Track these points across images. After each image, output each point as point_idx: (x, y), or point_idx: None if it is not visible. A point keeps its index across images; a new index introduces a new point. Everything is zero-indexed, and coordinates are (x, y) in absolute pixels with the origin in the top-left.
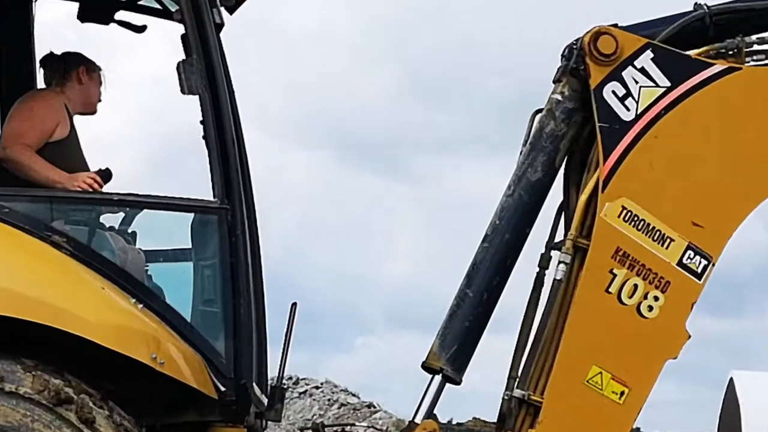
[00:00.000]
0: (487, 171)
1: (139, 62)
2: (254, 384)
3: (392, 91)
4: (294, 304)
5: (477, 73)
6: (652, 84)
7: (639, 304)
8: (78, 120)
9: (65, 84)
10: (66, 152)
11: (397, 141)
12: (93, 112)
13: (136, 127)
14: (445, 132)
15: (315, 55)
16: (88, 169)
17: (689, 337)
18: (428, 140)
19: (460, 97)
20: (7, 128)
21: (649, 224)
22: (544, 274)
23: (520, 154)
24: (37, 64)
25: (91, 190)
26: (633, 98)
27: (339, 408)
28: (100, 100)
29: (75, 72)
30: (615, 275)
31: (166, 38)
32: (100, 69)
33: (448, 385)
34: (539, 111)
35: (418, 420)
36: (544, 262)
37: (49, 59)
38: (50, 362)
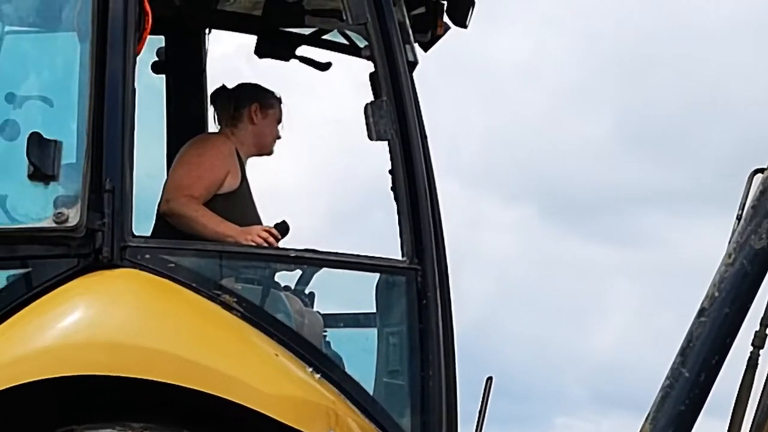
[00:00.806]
0: (708, 232)
1: (320, 103)
2: None
3: (605, 139)
4: (489, 379)
5: (700, 126)
6: None
7: None
8: (251, 165)
9: (236, 125)
10: (236, 205)
11: (608, 197)
12: (269, 153)
13: (315, 176)
14: (663, 188)
15: (518, 95)
16: (260, 223)
17: None
18: (642, 197)
19: (679, 149)
20: (172, 178)
21: None
22: (758, 354)
23: (738, 218)
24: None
25: (266, 245)
26: None
27: None
28: (278, 138)
29: (246, 111)
30: None
31: (351, 77)
32: (278, 102)
33: None
34: (759, 170)
35: None
36: (759, 341)
37: (219, 96)
38: None
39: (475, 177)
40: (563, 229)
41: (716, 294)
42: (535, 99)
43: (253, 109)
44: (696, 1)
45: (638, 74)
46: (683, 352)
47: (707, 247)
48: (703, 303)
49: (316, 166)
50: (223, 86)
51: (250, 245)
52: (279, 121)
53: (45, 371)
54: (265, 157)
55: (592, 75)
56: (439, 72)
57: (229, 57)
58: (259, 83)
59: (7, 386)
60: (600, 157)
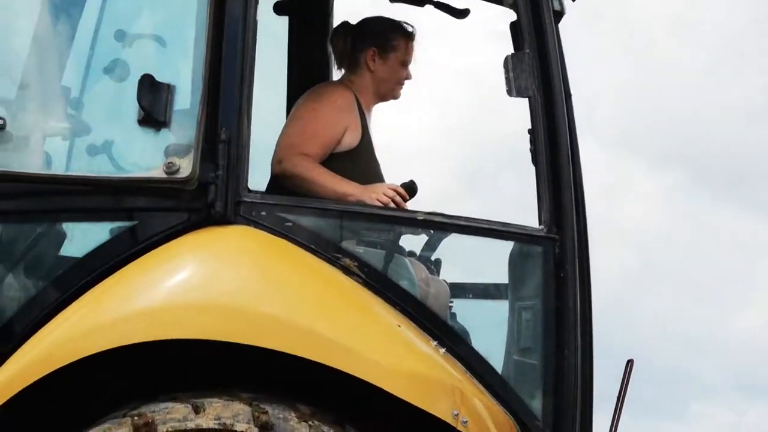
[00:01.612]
0: None
1: (453, 53)
2: None
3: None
4: (630, 362)
5: None
6: None
7: None
8: (375, 112)
9: (355, 71)
10: (357, 163)
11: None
12: (395, 98)
13: (444, 133)
14: None
15: (668, 53)
16: (383, 181)
17: None
18: None
19: None
20: (284, 135)
21: None
22: None
23: None
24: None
25: (392, 205)
26: None
27: None
28: (405, 80)
29: (363, 56)
30: None
31: (488, 26)
32: (405, 39)
33: None
34: None
35: None
36: None
37: (337, 36)
38: (328, 411)
39: (616, 138)
40: (717, 197)
41: None
42: (688, 54)
43: (370, 54)
44: None
45: None
46: None
47: None
48: None
49: (445, 122)
50: (342, 24)
51: (374, 205)
52: (405, 63)
53: (152, 333)
54: (389, 111)
55: (756, 30)
56: (581, 21)
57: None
58: (383, 16)
59: (110, 347)
60: (763, 120)
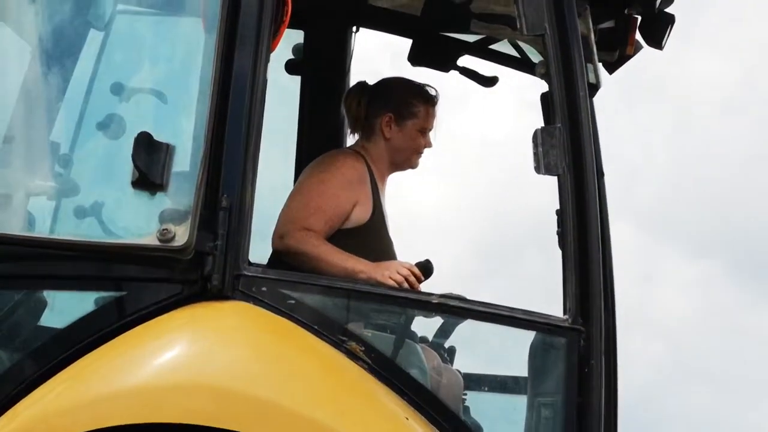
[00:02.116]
0: None
1: (478, 121)
2: None
3: None
4: None
5: None
6: None
7: None
8: (389, 185)
9: (369, 138)
10: (366, 241)
11: None
12: (412, 167)
13: (466, 209)
14: None
15: (715, 131)
16: (396, 260)
17: None
18: None
19: None
20: (287, 208)
21: None
22: None
23: None
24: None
25: (405, 285)
26: None
27: None
28: (424, 148)
29: (378, 122)
30: None
31: (517, 96)
32: (426, 105)
33: None
34: None
35: None
36: None
37: (351, 98)
38: None
39: (652, 221)
40: (755, 292)
41: None
42: (735, 136)
43: (386, 120)
44: None
45: None
46: None
47: None
48: None
49: (467, 196)
50: (358, 85)
51: (385, 285)
52: (424, 130)
53: (135, 415)
54: (406, 182)
55: None
56: (621, 96)
57: (372, 56)
58: (402, 77)
59: (90, 429)
60: None
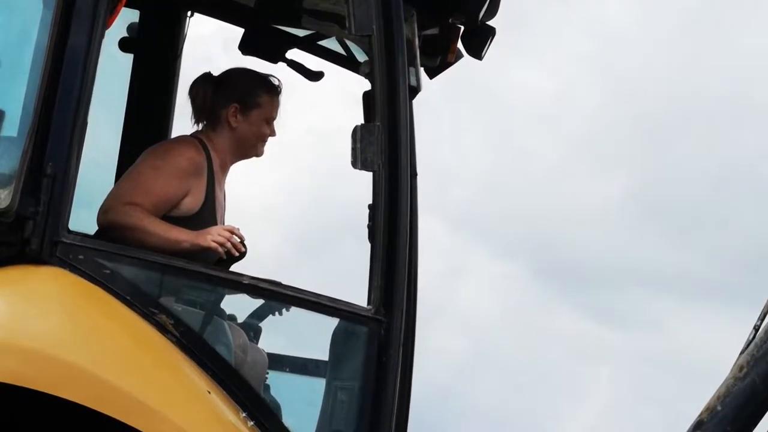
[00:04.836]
0: (717, 328)
1: (302, 116)
2: None
3: (617, 204)
4: None
5: (726, 208)
6: None
7: None
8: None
9: (214, 128)
10: (195, 229)
11: (610, 269)
12: (257, 155)
13: (284, 197)
14: (672, 270)
15: (528, 140)
16: None
17: None
18: (648, 276)
19: (697, 229)
20: (117, 187)
21: None
22: None
23: (756, 329)
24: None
25: (229, 246)
26: None
27: None
28: (268, 137)
29: (224, 113)
30: None
31: (340, 91)
32: (271, 95)
33: None
34: None
35: None
36: None
37: (196, 89)
38: None
39: (463, 221)
40: (554, 296)
41: (719, 408)
42: (547, 146)
43: (232, 110)
44: (753, 72)
45: (667, 139)
46: None
47: (713, 343)
48: (702, 415)
49: (286, 187)
50: (203, 76)
51: (209, 250)
52: (269, 119)
53: None
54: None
55: (616, 130)
56: (442, 100)
57: (205, 40)
58: (247, 68)
59: None
60: (607, 223)
